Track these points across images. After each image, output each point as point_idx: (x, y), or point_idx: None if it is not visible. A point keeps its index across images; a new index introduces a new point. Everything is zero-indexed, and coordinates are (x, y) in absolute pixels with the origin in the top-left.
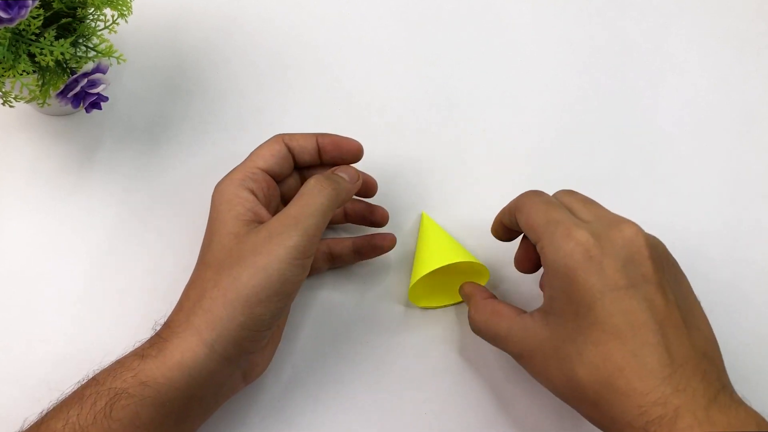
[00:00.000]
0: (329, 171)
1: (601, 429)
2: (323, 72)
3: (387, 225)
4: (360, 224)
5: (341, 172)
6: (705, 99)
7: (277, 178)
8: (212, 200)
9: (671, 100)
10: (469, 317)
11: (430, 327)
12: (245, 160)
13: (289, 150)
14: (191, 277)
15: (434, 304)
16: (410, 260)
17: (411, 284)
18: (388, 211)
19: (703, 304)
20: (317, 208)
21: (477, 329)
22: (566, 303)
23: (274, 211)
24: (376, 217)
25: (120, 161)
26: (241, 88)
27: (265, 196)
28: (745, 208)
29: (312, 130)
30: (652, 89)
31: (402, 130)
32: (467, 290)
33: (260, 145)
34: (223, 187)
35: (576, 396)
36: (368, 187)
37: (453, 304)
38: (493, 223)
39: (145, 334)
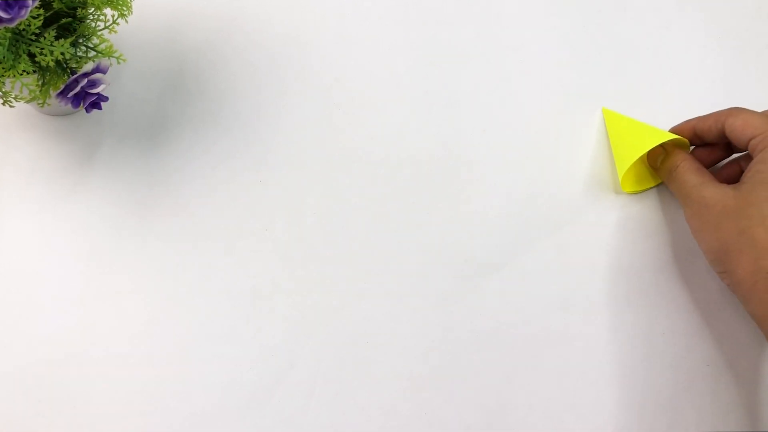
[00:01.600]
0: None
1: None
2: (323, 72)
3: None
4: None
5: None
6: (705, 99)
7: None
8: None
9: (671, 101)
10: (676, 164)
11: (430, 326)
12: None
13: None
14: None
15: (641, 188)
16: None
17: (623, 170)
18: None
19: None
20: None
21: (679, 176)
22: None
23: None
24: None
25: (120, 161)
26: (241, 88)
27: None
28: None
29: (310, 130)
30: (652, 90)
31: (402, 130)
32: (679, 152)
33: None
34: None
35: None
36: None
37: (653, 187)
38: (682, 126)
39: (144, 333)
